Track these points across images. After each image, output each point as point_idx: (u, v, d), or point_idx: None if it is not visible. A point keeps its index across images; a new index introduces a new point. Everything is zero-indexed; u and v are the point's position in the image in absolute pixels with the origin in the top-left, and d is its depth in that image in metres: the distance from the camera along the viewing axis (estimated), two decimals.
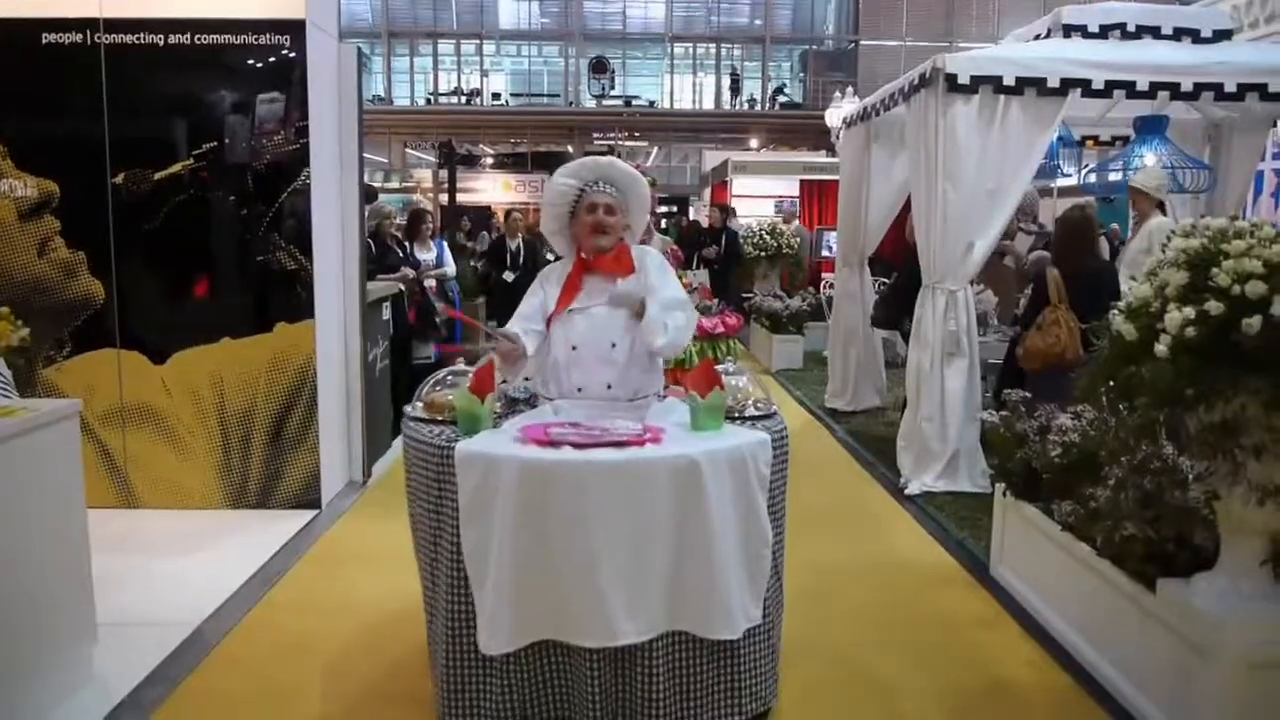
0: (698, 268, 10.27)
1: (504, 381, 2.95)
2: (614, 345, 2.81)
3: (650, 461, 2.38)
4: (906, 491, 5.09)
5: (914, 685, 3.01)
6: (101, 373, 4.64)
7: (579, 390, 2.81)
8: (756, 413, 2.80)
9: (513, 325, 2.88)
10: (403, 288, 6.69)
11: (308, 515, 4.63)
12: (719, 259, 11.23)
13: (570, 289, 2.89)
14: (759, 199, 14.62)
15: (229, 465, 4.71)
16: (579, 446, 2.37)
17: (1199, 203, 6.33)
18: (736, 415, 2.74)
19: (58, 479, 2.80)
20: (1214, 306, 2.21)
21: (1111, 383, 2.53)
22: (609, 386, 2.80)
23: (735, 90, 25.56)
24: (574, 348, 2.82)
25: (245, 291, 4.69)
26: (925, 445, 5.15)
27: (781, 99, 25.43)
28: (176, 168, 4.60)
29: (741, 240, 11.26)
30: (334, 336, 4.98)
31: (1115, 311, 2.52)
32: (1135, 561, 2.79)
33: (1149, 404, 2.38)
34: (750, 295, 10.84)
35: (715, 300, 6.09)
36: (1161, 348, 2.28)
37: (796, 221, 13.07)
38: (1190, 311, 2.24)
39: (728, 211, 12.13)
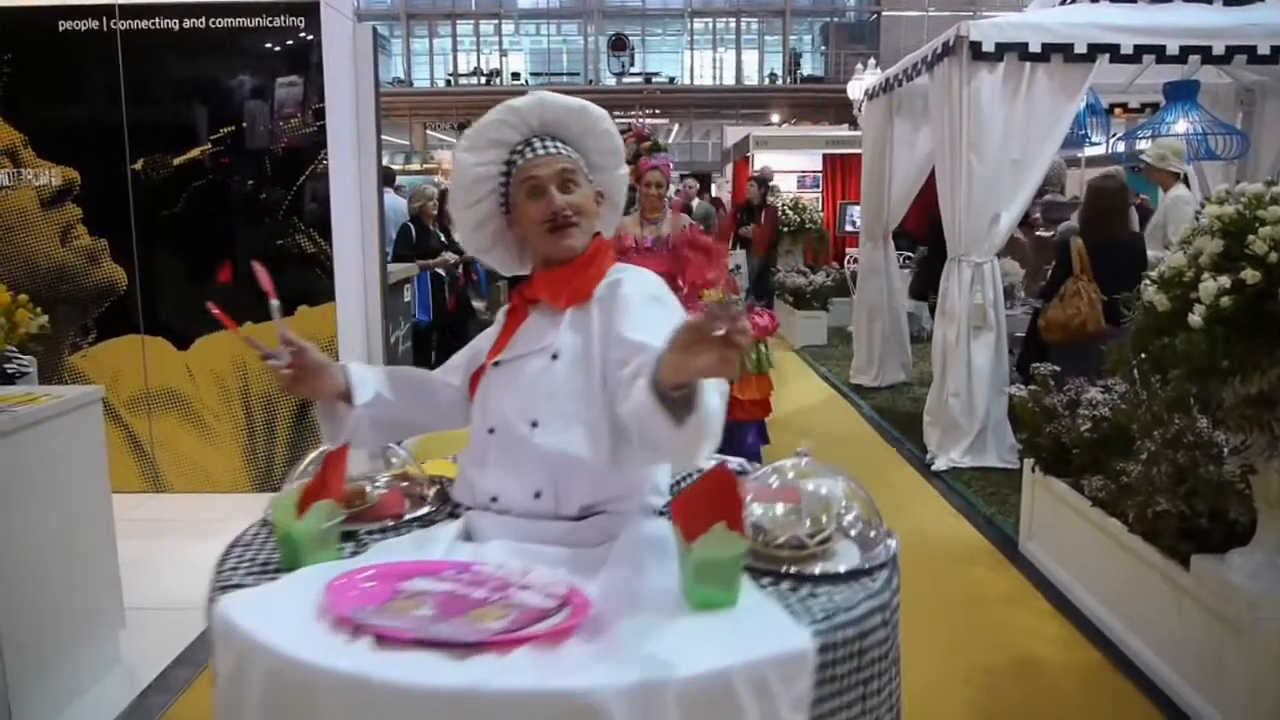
0: (736, 248, 9.85)
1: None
2: (535, 424, 1.61)
3: (500, 700, 1.12)
4: (933, 467, 5.05)
5: (940, 662, 2.98)
6: (126, 359, 4.67)
7: (493, 500, 1.64)
8: (865, 561, 1.46)
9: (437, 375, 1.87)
10: (444, 273, 6.59)
11: None
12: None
13: (506, 330, 1.77)
14: (782, 174, 14.48)
15: (254, 449, 4.74)
16: (389, 640, 1.21)
17: (1232, 169, 6.20)
18: (789, 571, 1.43)
19: (82, 465, 2.82)
20: (1250, 275, 2.14)
21: (1143, 354, 2.47)
22: (537, 495, 1.60)
23: (796, 66, 25.36)
24: (491, 430, 1.67)
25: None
26: (952, 420, 5.10)
27: (802, 73, 25.23)
28: (195, 153, 4.60)
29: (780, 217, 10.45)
30: (355, 319, 4.98)
31: (1147, 281, 2.45)
32: (1168, 537, 2.74)
33: (1182, 376, 2.32)
34: (775, 271, 10.73)
35: (741, 294, 5.25)
36: (1195, 318, 2.21)
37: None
38: (1225, 280, 2.17)
39: (764, 183, 10.71)
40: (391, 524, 1.72)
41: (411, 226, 6.74)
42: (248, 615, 1.30)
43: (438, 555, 1.53)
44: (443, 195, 7.39)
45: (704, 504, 1.33)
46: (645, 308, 1.62)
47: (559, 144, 1.73)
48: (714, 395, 1.35)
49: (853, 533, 1.53)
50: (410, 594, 1.35)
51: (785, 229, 10.62)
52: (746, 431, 4.74)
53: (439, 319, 6.49)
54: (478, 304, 7.12)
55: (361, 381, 1.76)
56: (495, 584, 1.36)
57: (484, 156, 1.75)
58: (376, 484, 1.81)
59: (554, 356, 1.65)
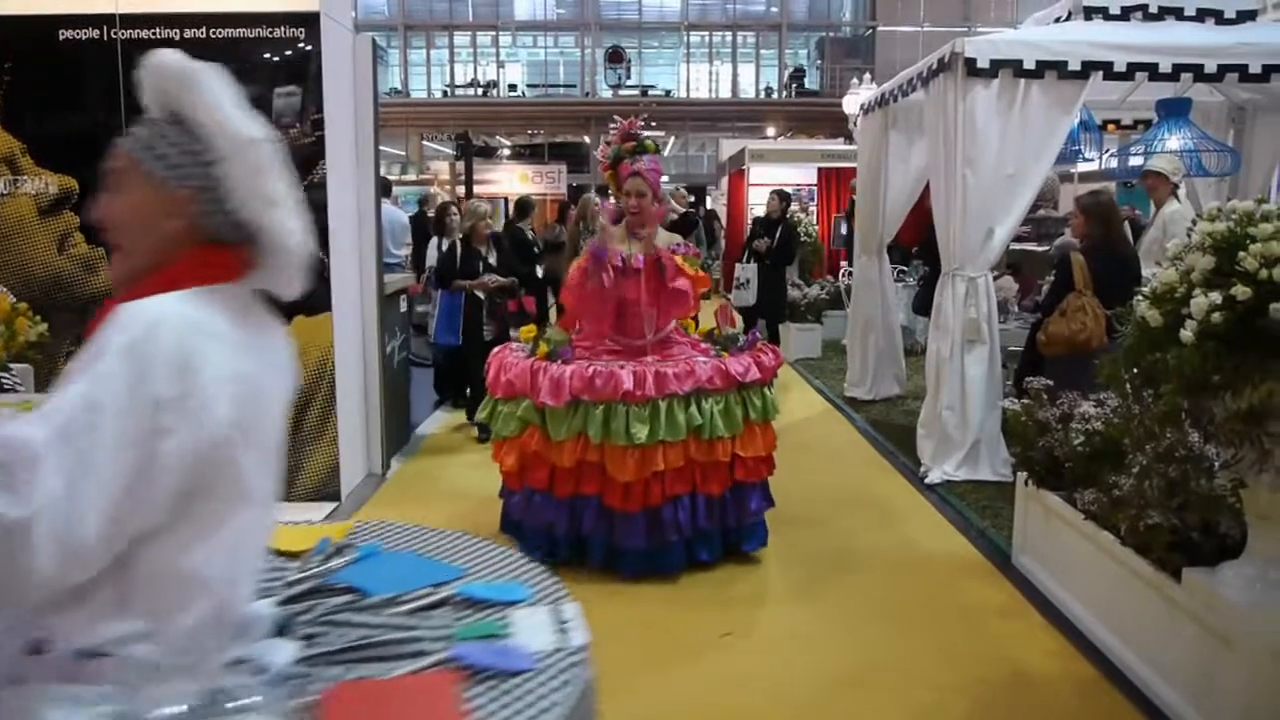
0: (748, 261, 9.70)
1: None
2: None
3: None
4: (927, 480, 5.06)
5: (934, 676, 2.99)
6: None
7: None
8: None
9: None
10: (482, 295, 6.12)
11: (328, 507, 4.65)
12: (770, 253, 10.14)
13: None
14: (777, 187, 14.54)
15: None
16: None
17: (1223, 186, 6.25)
18: None
19: None
20: (1241, 291, 2.17)
21: (1136, 369, 2.49)
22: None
23: (795, 80, 25.48)
24: None
25: None
26: (946, 434, 5.12)
27: (799, 86, 25.37)
28: None
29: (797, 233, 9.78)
30: (352, 329, 4.99)
31: (1140, 297, 2.48)
32: (1160, 550, 2.76)
33: (1174, 390, 2.34)
34: (788, 287, 10.44)
35: (740, 326, 4.42)
36: (1187, 333, 2.24)
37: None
38: (1216, 296, 2.21)
39: (787, 198, 10.06)
40: None
41: (459, 246, 6.28)
42: None
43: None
44: (441, 209, 7.23)
45: None
46: (73, 373, 1.15)
47: (143, 131, 1.31)
48: None
49: None
50: None
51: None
52: (750, 496, 3.93)
53: (472, 345, 6.00)
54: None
55: None
56: None
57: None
58: None
59: None
